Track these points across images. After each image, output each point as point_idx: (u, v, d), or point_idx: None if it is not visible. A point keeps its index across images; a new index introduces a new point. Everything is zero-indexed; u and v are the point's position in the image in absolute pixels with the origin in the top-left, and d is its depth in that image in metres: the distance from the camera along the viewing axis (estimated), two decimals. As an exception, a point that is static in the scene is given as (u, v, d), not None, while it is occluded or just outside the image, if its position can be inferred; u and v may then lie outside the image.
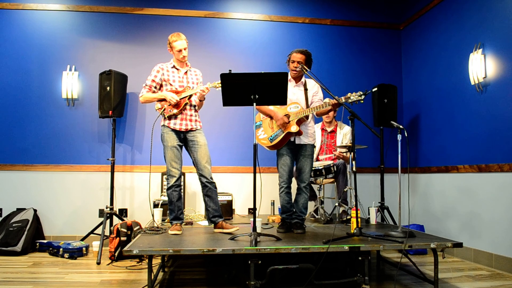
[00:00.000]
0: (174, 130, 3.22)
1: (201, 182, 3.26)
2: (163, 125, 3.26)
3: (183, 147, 3.33)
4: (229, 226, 3.15)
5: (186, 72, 3.33)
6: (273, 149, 3.30)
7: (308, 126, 3.26)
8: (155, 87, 3.29)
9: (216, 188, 3.29)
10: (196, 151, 3.25)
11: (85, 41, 4.60)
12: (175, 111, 3.19)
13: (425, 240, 2.85)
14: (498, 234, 3.47)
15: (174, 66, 3.32)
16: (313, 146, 3.32)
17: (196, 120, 3.31)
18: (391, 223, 4.22)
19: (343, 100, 2.99)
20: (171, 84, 3.26)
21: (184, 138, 3.29)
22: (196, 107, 3.33)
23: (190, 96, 3.23)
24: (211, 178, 3.26)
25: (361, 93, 2.89)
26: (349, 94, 2.93)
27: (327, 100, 4.17)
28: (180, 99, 3.19)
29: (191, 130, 3.27)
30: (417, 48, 4.79)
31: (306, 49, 3.25)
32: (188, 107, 3.25)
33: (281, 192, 3.25)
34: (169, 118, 3.22)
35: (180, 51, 3.24)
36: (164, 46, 4.64)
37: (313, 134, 3.32)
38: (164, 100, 3.22)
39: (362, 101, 2.91)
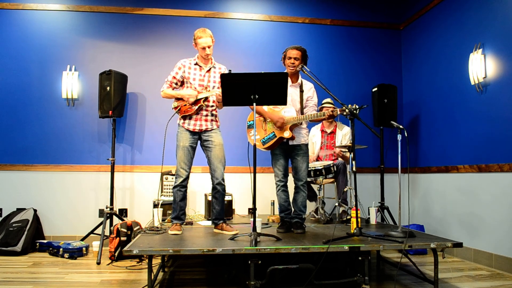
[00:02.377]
0: (188, 130, 3.20)
1: (212, 183, 3.25)
2: (178, 124, 3.24)
3: (197, 147, 3.29)
4: (229, 229, 3.14)
5: (209, 70, 3.27)
6: (265, 150, 3.30)
7: (301, 128, 3.26)
8: (176, 84, 3.25)
9: (224, 191, 3.26)
10: (210, 150, 3.22)
11: (85, 41, 4.60)
12: (190, 111, 3.16)
13: (425, 240, 2.85)
14: (498, 234, 3.47)
15: (197, 63, 3.25)
16: (306, 144, 3.31)
17: (212, 120, 3.26)
18: (391, 223, 4.22)
19: (339, 113, 2.99)
20: (190, 83, 3.21)
21: (199, 137, 3.26)
22: (214, 107, 3.27)
23: (207, 98, 3.19)
24: (223, 180, 3.22)
25: (357, 106, 2.88)
26: (344, 107, 2.92)
27: (328, 100, 4.20)
28: (196, 100, 3.15)
29: (206, 130, 3.24)
30: (417, 48, 4.79)
31: (300, 45, 3.24)
32: (204, 107, 3.20)
33: (277, 191, 3.26)
34: (184, 118, 3.20)
35: (204, 48, 3.16)
36: (164, 46, 4.70)
37: (306, 134, 3.31)
38: (181, 99, 3.19)
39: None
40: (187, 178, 3.21)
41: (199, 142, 3.29)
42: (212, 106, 3.26)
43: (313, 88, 3.35)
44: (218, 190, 3.23)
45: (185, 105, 3.17)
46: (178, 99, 3.22)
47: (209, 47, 3.17)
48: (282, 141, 3.21)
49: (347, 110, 2.88)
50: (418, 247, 2.75)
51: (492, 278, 3.17)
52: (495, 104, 3.54)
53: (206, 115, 3.23)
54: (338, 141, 4.19)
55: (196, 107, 3.15)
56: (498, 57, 3.52)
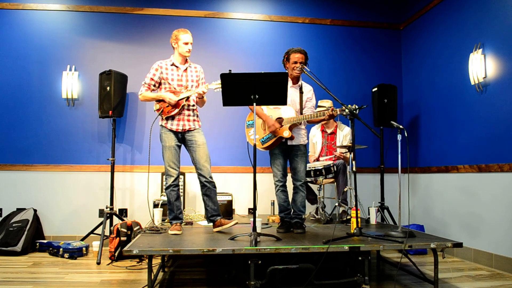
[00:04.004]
0: (171, 130, 3.22)
1: (200, 182, 3.26)
2: (161, 125, 3.25)
3: (182, 147, 3.32)
4: (227, 222, 3.16)
5: (185, 70, 3.30)
6: (264, 150, 3.31)
7: (300, 128, 3.27)
8: (154, 85, 3.27)
9: (215, 187, 3.27)
10: (194, 150, 3.24)
11: (85, 41, 4.60)
12: (173, 112, 3.18)
13: (425, 240, 2.85)
14: (498, 234, 3.47)
15: (173, 64, 3.28)
16: (305, 145, 3.32)
17: (194, 120, 3.28)
18: (391, 223, 4.22)
19: (338, 113, 3.00)
20: (169, 83, 3.23)
21: (182, 138, 3.28)
22: (195, 107, 3.31)
23: (188, 97, 3.22)
24: (211, 177, 3.25)
25: (356, 107, 2.88)
26: (344, 107, 2.92)
27: (328, 102, 4.19)
28: (178, 100, 3.17)
29: (189, 130, 3.25)
30: (417, 48, 4.79)
31: (301, 48, 3.26)
32: (186, 107, 3.23)
33: (276, 191, 3.27)
34: (167, 118, 3.21)
35: (187, 43, 3.22)
36: (164, 46, 4.67)
37: (305, 135, 3.32)
38: (162, 100, 3.21)
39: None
40: (178, 177, 3.24)
41: (182, 142, 3.31)
42: (194, 105, 3.28)
43: (312, 90, 3.39)
44: (209, 187, 3.23)
45: (167, 106, 3.18)
46: (159, 101, 3.23)
47: (191, 43, 3.24)
48: (281, 141, 3.22)
49: (346, 110, 2.88)
50: (418, 247, 2.75)
51: (492, 278, 3.17)
52: (495, 104, 3.54)
53: (189, 115, 3.25)
54: (338, 142, 4.19)
55: (179, 107, 3.17)
56: (498, 57, 3.52)
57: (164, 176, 4.21)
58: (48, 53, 4.52)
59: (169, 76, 3.24)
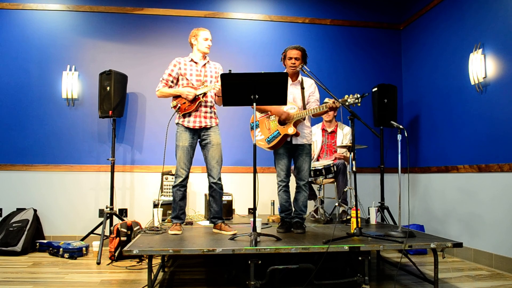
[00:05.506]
0: (188, 129, 3.19)
1: (208, 182, 3.25)
2: (177, 123, 3.23)
3: (197, 145, 3.29)
4: (227, 229, 3.13)
5: (204, 65, 3.27)
6: (270, 150, 3.30)
7: (304, 126, 3.26)
8: (172, 82, 3.24)
9: (221, 189, 3.26)
10: (208, 150, 3.22)
11: (85, 41, 4.60)
12: (190, 109, 3.14)
13: (425, 240, 2.85)
14: (498, 234, 3.47)
15: (192, 60, 3.27)
16: (310, 144, 3.32)
17: (211, 117, 3.25)
18: (391, 223, 4.22)
19: (340, 103, 2.99)
20: (187, 79, 3.20)
21: (198, 136, 3.26)
22: (213, 103, 3.28)
23: (205, 93, 3.18)
24: (219, 179, 3.23)
25: (358, 95, 2.86)
26: (346, 97, 2.91)
27: (326, 100, 4.19)
28: (196, 95, 3.13)
29: (205, 128, 3.23)
30: (417, 48, 4.79)
31: (300, 45, 3.25)
32: (203, 104, 3.20)
33: (279, 191, 3.26)
34: (183, 115, 3.19)
35: (206, 39, 3.24)
36: (164, 46, 4.69)
37: (310, 134, 3.32)
38: (179, 97, 3.18)
39: (359, 104, 2.89)
40: (186, 177, 3.21)
41: (198, 141, 3.29)
42: (211, 102, 3.26)
43: (314, 84, 3.35)
44: (215, 189, 3.22)
45: (184, 103, 3.15)
46: (176, 97, 3.20)
47: (210, 40, 3.26)
48: (286, 140, 3.21)
49: (349, 100, 2.87)
50: (418, 247, 2.75)
51: (492, 278, 3.18)
52: (495, 104, 3.54)
53: (206, 112, 3.22)
54: (339, 141, 4.19)
55: (196, 103, 3.15)
56: (498, 57, 3.52)
57: (165, 176, 4.23)
58: (48, 53, 4.52)
59: (187, 71, 3.22)
